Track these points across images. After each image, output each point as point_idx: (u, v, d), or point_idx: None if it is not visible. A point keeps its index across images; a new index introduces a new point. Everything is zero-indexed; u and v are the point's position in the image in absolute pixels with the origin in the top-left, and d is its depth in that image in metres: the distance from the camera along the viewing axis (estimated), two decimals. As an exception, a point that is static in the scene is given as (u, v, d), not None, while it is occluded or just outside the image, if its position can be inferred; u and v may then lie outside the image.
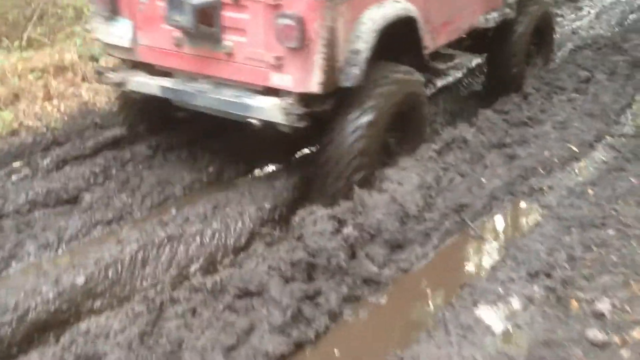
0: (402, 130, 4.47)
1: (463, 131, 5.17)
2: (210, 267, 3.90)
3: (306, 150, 5.25)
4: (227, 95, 4.14)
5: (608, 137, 5.52)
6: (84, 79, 6.00)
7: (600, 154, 5.22)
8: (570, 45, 7.51)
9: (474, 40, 5.54)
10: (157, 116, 5.11)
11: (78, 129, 5.35)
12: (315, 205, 4.03)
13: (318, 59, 3.77)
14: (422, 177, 4.40)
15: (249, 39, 3.94)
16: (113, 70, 4.67)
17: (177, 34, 4.16)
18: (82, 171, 4.78)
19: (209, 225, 4.12)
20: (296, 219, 3.99)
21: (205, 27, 3.96)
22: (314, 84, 3.83)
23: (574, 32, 8.11)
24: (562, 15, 8.67)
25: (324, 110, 4.00)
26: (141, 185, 4.72)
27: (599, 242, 3.87)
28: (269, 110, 3.94)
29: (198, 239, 4.01)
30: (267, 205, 4.37)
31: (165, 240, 3.96)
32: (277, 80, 3.92)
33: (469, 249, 4.14)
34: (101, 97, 5.79)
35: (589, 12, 8.94)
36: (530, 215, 4.37)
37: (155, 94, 4.43)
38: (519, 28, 5.79)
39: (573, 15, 8.84)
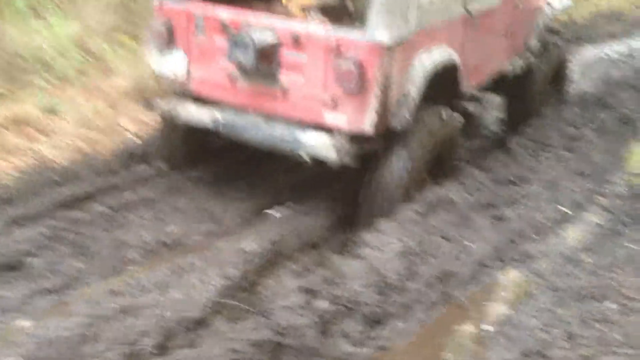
0: (438, 168, 4.65)
1: (448, 190, 4.83)
2: (165, 344, 3.46)
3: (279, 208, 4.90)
4: (280, 130, 4.27)
5: (600, 198, 5.18)
6: (43, 133, 5.61)
7: (594, 216, 4.86)
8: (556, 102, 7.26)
9: (495, 83, 5.63)
10: (197, 146, 5.15)
11: (33, 186, 4.95)
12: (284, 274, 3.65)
13: (373, 102, 3.95)
14: (404, 242, 4.03)
15: (305, 78, 4.10)
16: (163, 99, 4.69)
17: (233, 69, 4.27)
18: (31, 233, 4.36)
19: (167, 295, 3.70)
20: (263, 291, 3.59)
21: (264, 65, 4.11)
22: (367, 125, 4.00)
23: (559, 88, 7.89)
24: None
25: (372, 149, 4.18)
26: (95, 249, 4.31)
27: (599, 317, 3.49)
28: (321, 147, 4.08)
29: (154, 311, 3.58)
30: (234, 273, 3.96)
31: (117, 312, 3.54)
32: (331, 119, 4.06)
33: (456, 324, 3.72)
34: (61, 152, 5.40)
35: (572, 69, 8.75)
36: (523, 285, 3.97)
37: (206, 126, 4.51)
38: (540, 73, 6.13)
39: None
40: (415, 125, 4.23)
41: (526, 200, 4.96)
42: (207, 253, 4.23)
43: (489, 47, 5.22)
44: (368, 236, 3.97)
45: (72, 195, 4.87)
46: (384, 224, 4.14)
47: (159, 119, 5.06)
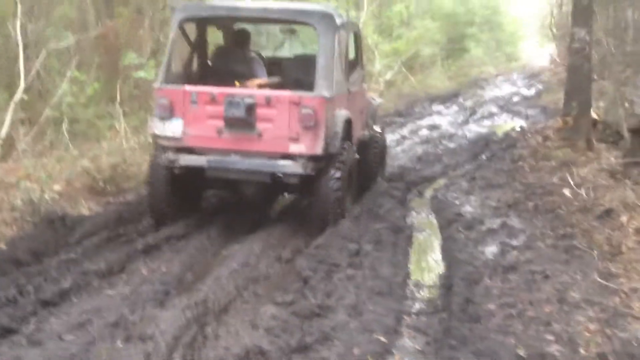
0: (350, 182, 6.76)
1: (254, 339, 4.05)
2: None
3: None
4: (258, 161, 6.29)
5: (406, 317, 4.83)
6: None
7: (412, 341, 4.45)
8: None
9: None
10: (183, 196, 6.72)
11: None
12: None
13: (322, 133, 6.18)
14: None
15: (274, 124, 6.21)
16: (165, 153, 6.39)
17: (219, 125, 6.25)
18: None
19: None
20: None
21: (248, 117, 6.16)
22: (319, 149, 6.21)
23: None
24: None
25: (321, 166, 6.32)
26: None
27: None
28: (292, 166, 6.23)
29: None
30: None
31: None
32: (294, 148, 6.20)
33: None
34: None
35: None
36: None
37: (203, 166, 6.36)
38: (376, 145, 8.39)
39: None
40: (341, 151, 6.45)
41: (339, 334, 4.35)
42: None
43: (356, 117, 7.42)
44: None
45: None
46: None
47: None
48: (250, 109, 6.12)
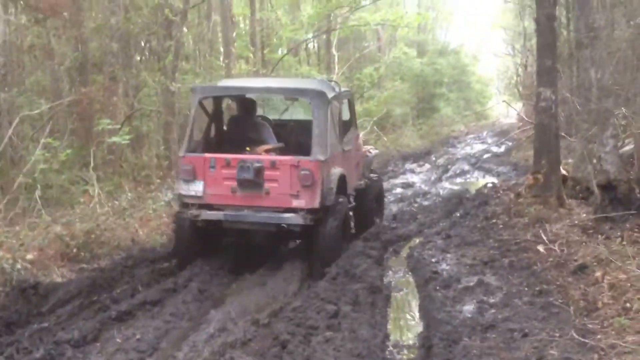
0: (344, 227, 7.82)
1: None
2: None
3: None
4: (266, 214, 7.40)
5: (387, 381, 4.78)
6: None
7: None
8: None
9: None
10: (203, 243, 7.70)
11: None
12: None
13: (318, 190, 7.25)
14: None
15: (279, 184, 7.31)
16: (189, 209, 7.52)
17: (234, 185, 7.37)
18: None
19: None
20: None
21: (257, 179, 7.27)
22: (316, 203, 7.26)
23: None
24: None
25: (318, 217, 7.34)
26: None
27: None
28: (294, 218, 7.29)
29: None
30: None
31: None
32: (296, 203, 7.27)
33: None
34: None
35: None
36: None
37: (220, 219, 7.50)
38: (373, 191, 9.66)
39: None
40: (335, 203, 7.53)
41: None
42: None
43: (351, 170, 8.70)
44: None
45: None
46: None
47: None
48: (259, 171, 7.25)
